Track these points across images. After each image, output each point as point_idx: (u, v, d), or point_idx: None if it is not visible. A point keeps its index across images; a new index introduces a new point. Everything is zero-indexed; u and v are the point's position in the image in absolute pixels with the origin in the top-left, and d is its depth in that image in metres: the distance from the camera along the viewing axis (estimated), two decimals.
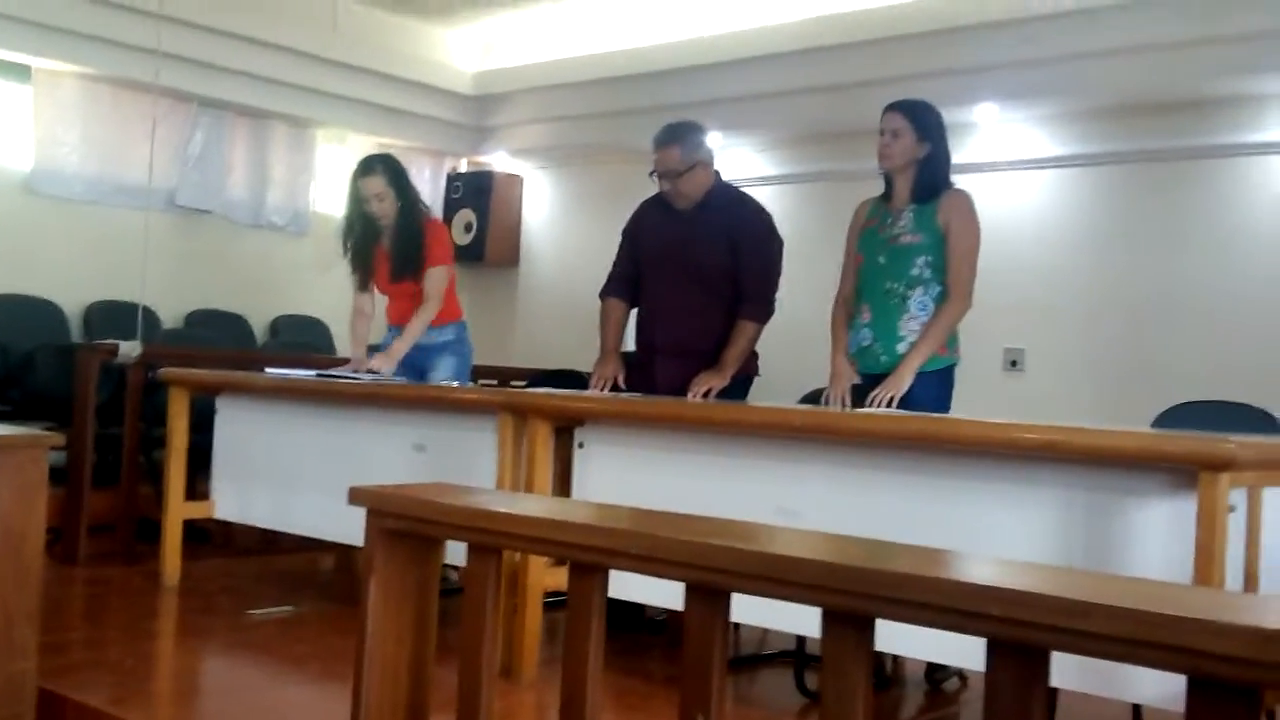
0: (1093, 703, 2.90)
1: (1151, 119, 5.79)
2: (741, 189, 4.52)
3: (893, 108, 3.89)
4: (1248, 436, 2.59)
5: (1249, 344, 5.45)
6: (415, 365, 4.83)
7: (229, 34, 6.81)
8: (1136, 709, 3.15)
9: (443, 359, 4.82)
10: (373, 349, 4.87)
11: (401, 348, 4.66)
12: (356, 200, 4.76)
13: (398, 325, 4.80)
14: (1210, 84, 5.48)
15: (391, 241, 4.75)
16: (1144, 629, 1.31)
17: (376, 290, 4.91)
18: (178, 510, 4.61)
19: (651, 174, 4.30)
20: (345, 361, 4.91)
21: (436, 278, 4.72)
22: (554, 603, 3.51)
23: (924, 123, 3.85)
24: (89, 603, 4.51)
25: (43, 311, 6.42)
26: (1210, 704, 1.32)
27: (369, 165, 4.78)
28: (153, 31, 5.73)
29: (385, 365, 4.58)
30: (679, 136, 4.27)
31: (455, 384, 4.51)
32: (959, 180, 3.95)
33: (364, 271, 4.86)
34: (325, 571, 5.36)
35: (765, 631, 4.12)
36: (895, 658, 3.75)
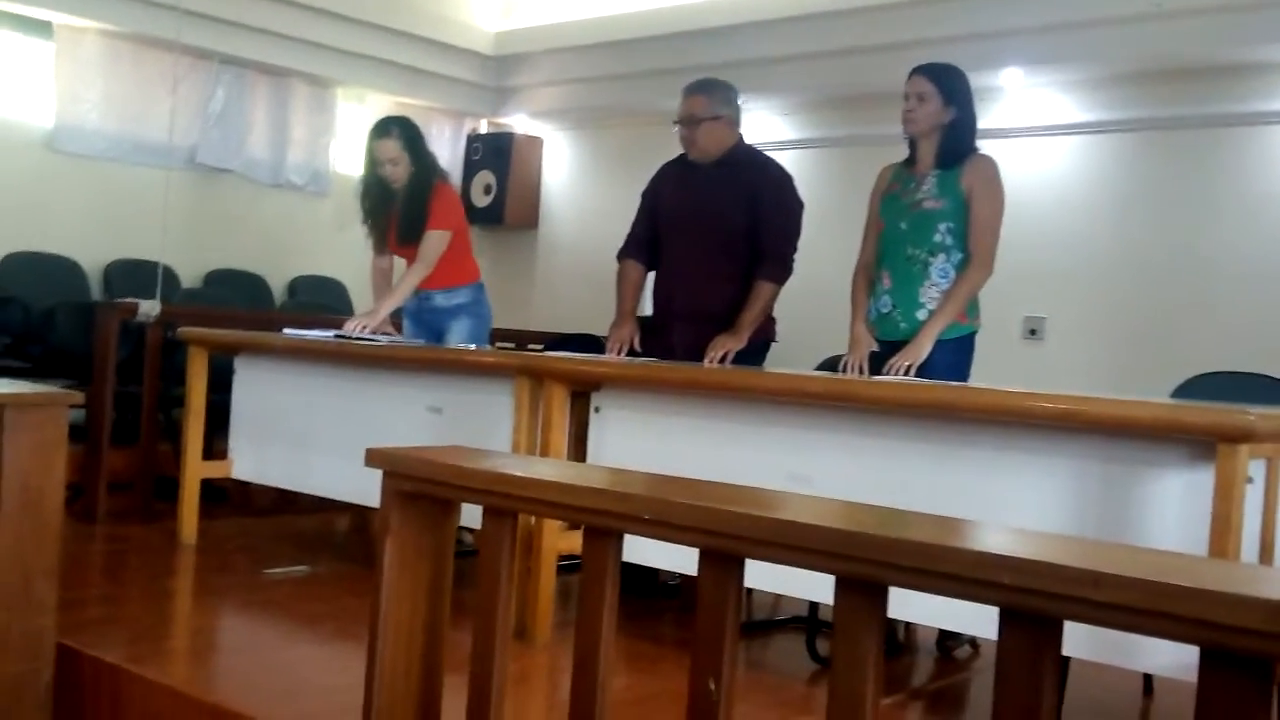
0: (1105, 672, 2.90)
1: (1177, 85, 5.72)
2: (764, 152, 4.49)
3: (919, 71, 3.85)
4: (1267, 408, 2.57)
5: (1271, 314, 5.41)
6: (431, 326, 4.84)
7: None
8: (1148, 678, 3.15)
9: (458, 321, 4.82)
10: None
11: (381, 309, 4.67)
12: (372, 162, 4.75)
13: (420, 288, 4.79)
14: (1236, 50, 5.41)
15: (401, 205, 4.75)
16: (1156, 599, 1.30)
17: (392, 253, 4.91)
18: (195, 469, 4.64)
19: (675, 122, 4.29)
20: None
21: (432, 241, 4.67)
22: (568, 566, 3.53)
23: (950, 87, 3.81)
24: (107, 560, 4.55)
25: (63, 269, 6.45)
26: (1222, 675, 1.31)
27: (384, 128, 4.76)
28: None
29: (368, 321, 4.60)
30: (707, 87, 4.28)
31: (471, 346, 4.51)
32: (983, 146, 3.91)
33: (379, 233, 4.86)
34: (341, 532, 5.40)
35: (778, 597, 4.14)
36: (907, 625, 3.76)
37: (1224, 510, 2.31)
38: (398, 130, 4.74)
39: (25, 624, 2.90)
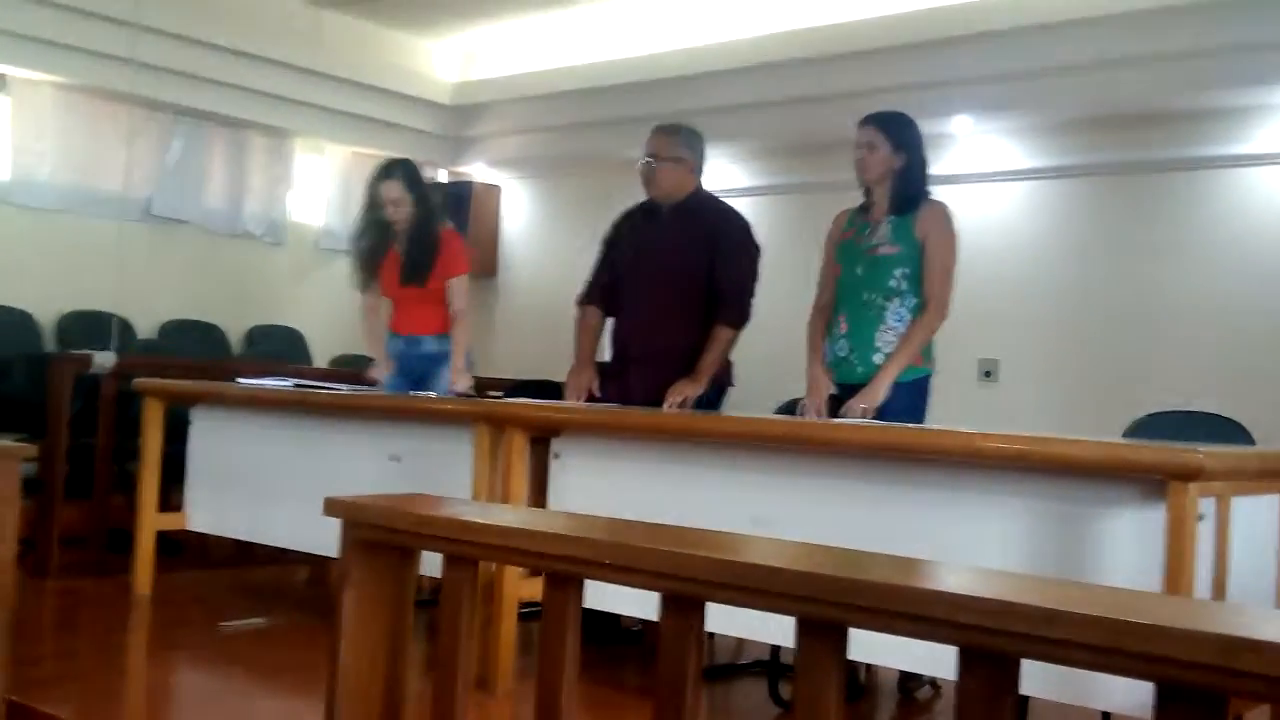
0: (1064, 711, 2.92)
1: (1124, 131, 5.85)
2: (722, 199, 4.54)
3: (867, 121, 3.91)
4: (1217, 446, 2.61)
5: (1220, 354, 5.51)
6: (413, 372, 4.84)
7: (206, 44, 6.81)
8: (1106, 716, 3.17)
9: (444, 369, 4.82)
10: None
11: (460, 364, 4.75)
12: (372, 204, 4.78)
13: (403, 333, 4.82)
14: (1181, 98, 5.55)
15: (405, 246, 4.78)
16: (1112, 636, 1.32)
17: (381, 294, 4.92)
18: (150, 521, 4.59)
19: (640, 160, 4.33)
20: (350, 374, 4.97)
21: (461, 288, 4.79)
22: (529, 613, 3.51)
23: (899, 135, 3.87)
24: (60, 615, 4.48)
25: (16, 321, 6.38)
26: (1178, 711, 1.33)
27: (389, 170, 4.80)
28: (129, 41, 5.72)
29: (463, 382, 4.69)
30: (674, 130, 4.35)
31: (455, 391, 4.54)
32: (936, 191, 3.97)
33: (368, 274, 4.90)
34: (299, 583, 5.34)
35: (740, 641, 4.13)
36: (869, 666, 3.76)
37: (1177, 547, 2.34)
38: (401, 172, 4.77)
39: None
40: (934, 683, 3.76)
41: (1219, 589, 2.46)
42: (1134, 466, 2.49)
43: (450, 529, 2.05)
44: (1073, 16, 5.56)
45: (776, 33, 6.59)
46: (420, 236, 4.74)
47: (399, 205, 4.72)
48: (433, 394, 4.45)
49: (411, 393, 4.55)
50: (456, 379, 4.71)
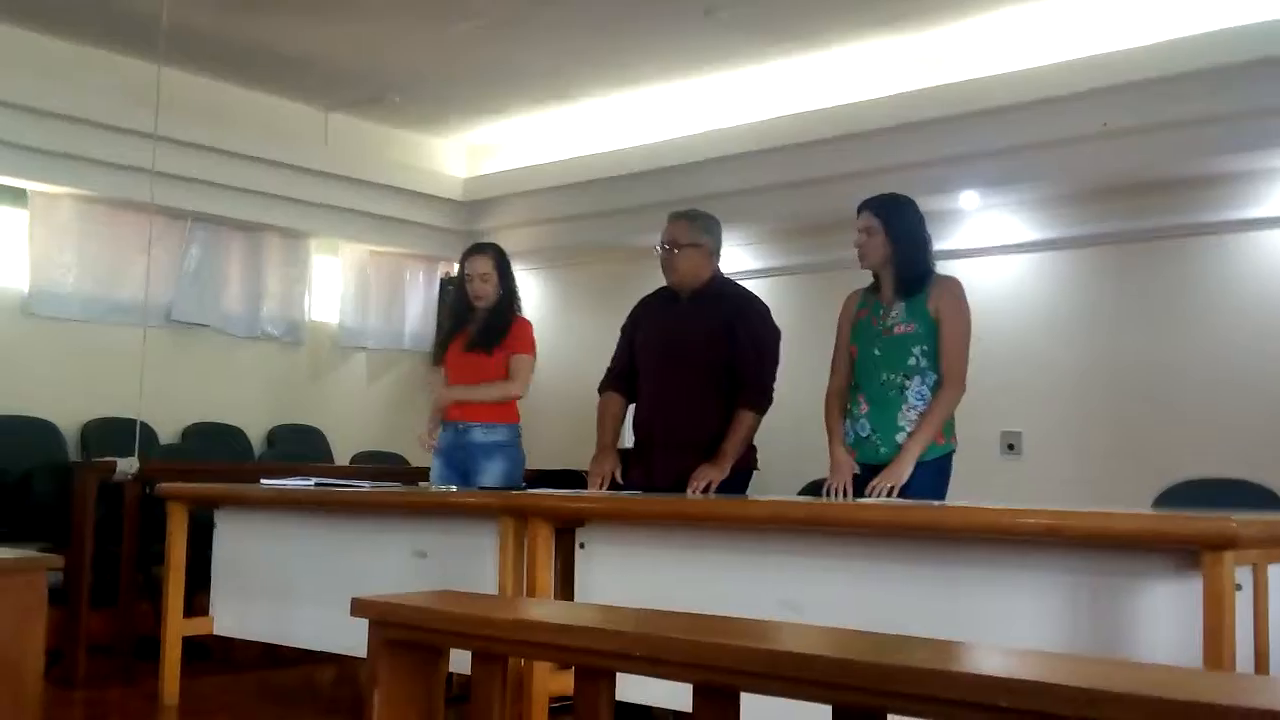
0: None
1: (1129, 200, 5.88)
2: (740, 283, 4.57)
3: (863, 206, 3.96)
4: (1249, 513, 2.58)
5: (1243, 419, 5.47)
6: (462, 465, 4.82)
7: (222, 151, 6.92)
8: None
9: (493, 462, 4.80)
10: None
11: (466, 395, 4.80)
12: (461, 279, 4.94)
13: (452, 419, 4.86)
14: (1186, 165, 5.58)
15: (483, 318, 4.87)
16: (1156, 716, 1.30)
17: (444, 368, 5.00)
18: (177, 627, 4.56)
19: (657, 247, 4.37)
20: (372, 471, 4.99)
21: (524, 364, 4.87)
22: (561, 708, 3.47)
23: (893, 217, 3.90)
24: None
25: (40, 431, 6.42)
26: None
27: (481, 246, 5.03)
28: (147, 152, 5.82)
29: (447, 396, 4.80)
30: (691, 215, 4.40)
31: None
32: (947, 266, 3.98)
33: (441, 349, 5.06)
34: (326, 684, 5.30)
35: None
36: None
37: (1214, 619, 2.31)
38: (493, 251, 4.96)
39: None
40: None
41: (1261, 661, 2.42)
42: (1167, 538, 2.47)
43: (479, 626, 2.03)
44: (1075, 90, 5.61)
45: (780, 116, 6.67)
46: (498, 310, 4.87)
47: (486, 281, 4.85)
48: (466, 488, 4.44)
49: (453, 487, 4.53)
50: (443, 391, 4.83)
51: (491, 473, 4.75)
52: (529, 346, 4.92)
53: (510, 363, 4.82)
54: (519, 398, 4.87)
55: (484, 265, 4.87)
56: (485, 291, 4.86)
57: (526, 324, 4.97)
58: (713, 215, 4.46)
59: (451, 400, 4.79)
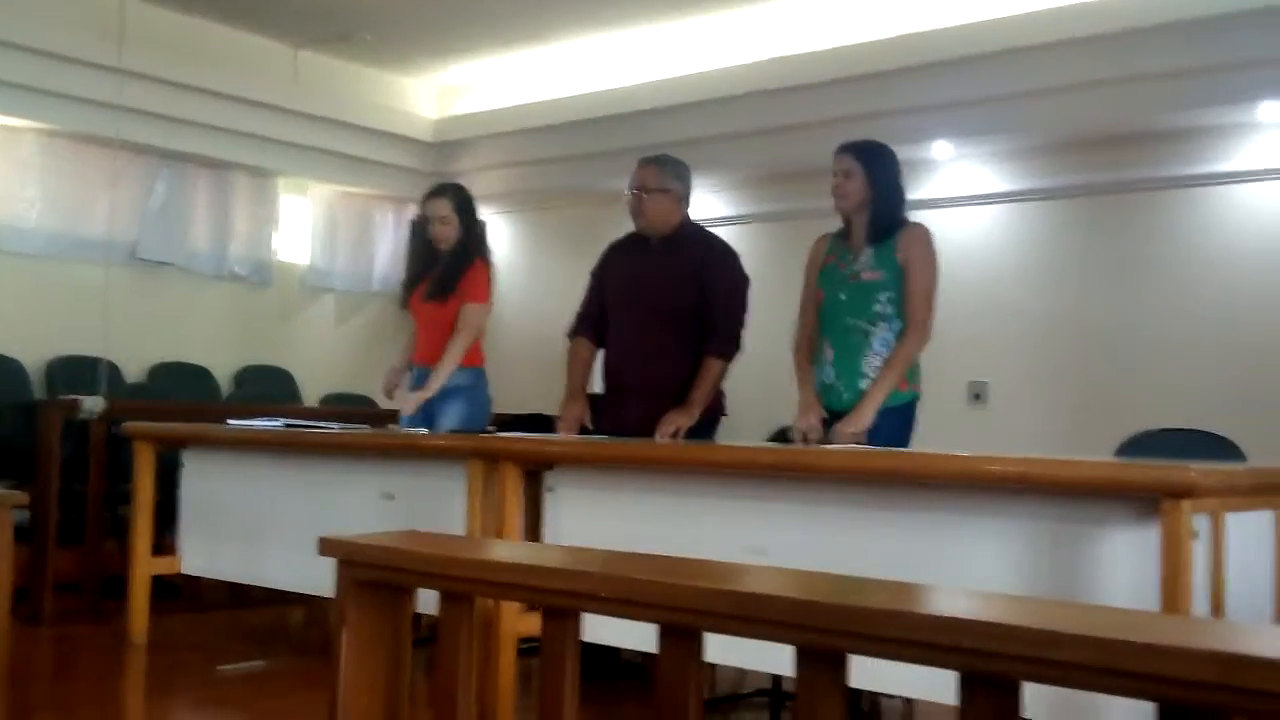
0: None
1: (1101, 153, 5.89)
2: (709, 229, 4.56)
3: (843, 150, 3.94)
4: (1209, 463, 2.62)
5: (1208, 371, 5.53)
6: (425, 409, 4.75)
7: (188, 86, 6.82)
8: None
9: (453, 405, 4.73)
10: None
11: (433, 386, 4.66)
12: (421, 222, 4.85)
13: (418, 363, 4.79)
14: (1158, 118, 5.59)
15: (442, 265, 4.79)
16: (1112, 657, 1.32)
17: (411, 311, 4.93)
18: (144, 566, 4.56)
19: (627, 191, 4.35)
20: (341, 412, 4.92)
21: (472, 314, 4.73)
22: (528, 649, 3.50)
23: (873, 162, 3.90)
24: (55, 663, 4.45)
25: (3, 368, 6.35)
26: None
27: (440, 188, 4.91)
28: (113, 86, 5.73)
29: (409, 407, 4.62)
30: (661, 160, 4.37)
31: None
32: (918, 216, 3.99)
33: (407, 292, 4.95)
34: (295, 625, 5.32)
35: (742, 671, 4.12)
36: (873, 695, 3.75)
37: (1172, 565, 2.35)
38: (451, 192, 4.86)
39: None
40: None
41: (1216, 607, 2.46)
42: (1127, 486, 2.50)
43: (446, 566, 2.04)
44: (1049, 39, 5.61)
45: (754, 62, 6.63)
46: (454, 257, 4.77)
47: (445, 223, 4.76)
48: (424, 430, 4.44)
49: (422, 430, 4.50)
50: (408, 400, 4.67)
51: (450, 415, 4.69)
52: (481, 293, 4.77)
53: (460, 313, 4.72)
54: (468, 346, 4.73)
55: (442, 208, 4.78)
56: (445, 234, 4.78)
57: (483, 269, 4.83)
58: (683, 161, 4.44)
59: (420, 401, 4.65)
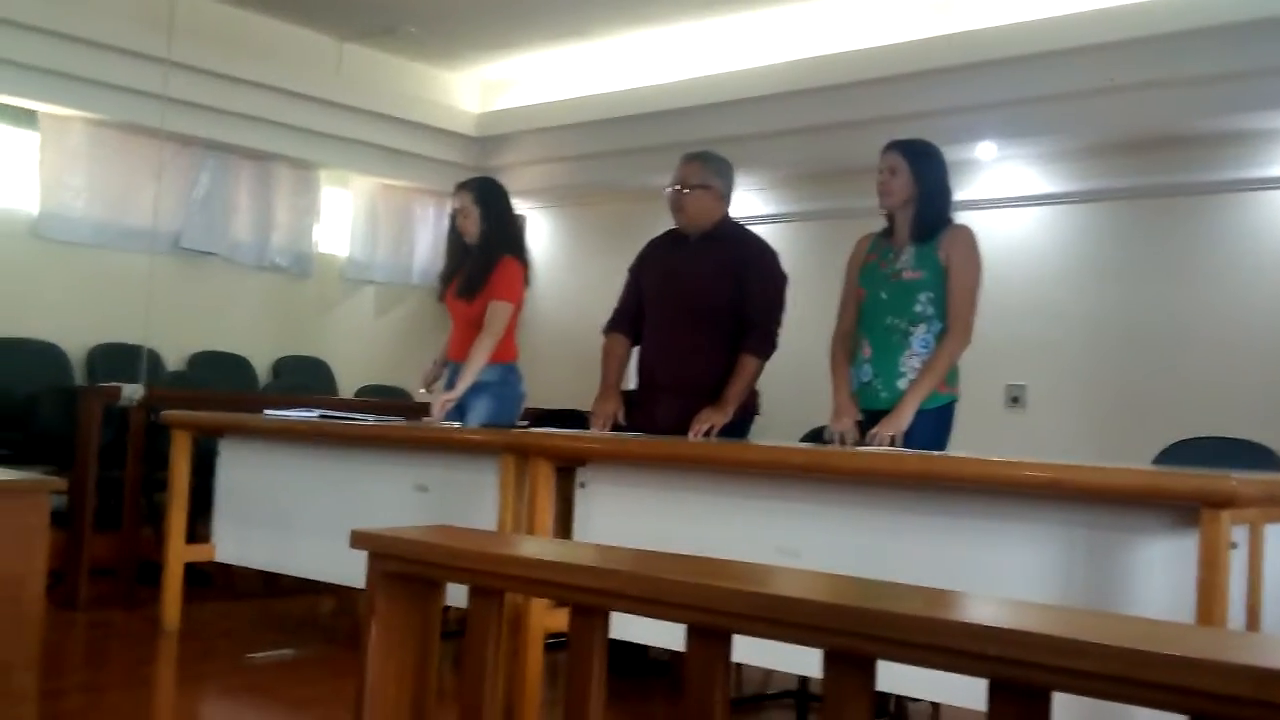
0: None
1: (1147, 155, 5.83)
2: (748, 227, 4.54)
3: (891, 147, 3.91)
4: (1249, 473, 2.58)
5: (1250, 379, 5.45)
6: (459, 403, 4.66)
7: (234, 78, 6.88)
8: None
9: (480, 400, 4.67)
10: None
11: (460, 388, 4.58)
12: (452, 216, 4.84)
13: (453, 359, 4.74)
14: (1204, 121, 5.52)
15: (470, 261, 4.76)
16: (1144, 669, 1.30)
17: (447, 310, 4.88)
18: (179, 553, 4.60)
19: (668, 187, 4.34)
20: (377, 405, 4.88)
21: (498, 312, 4.63)
22: (556, 645, 3.50)
23: (921, 161, 3.87)
24: (89, 648, 4.49)
25: (46, 354, 6.44)
26: None
27: (464, 183, 4.88)
28: (159, 77, 5.78)
29: (437, 410, 4.51)
30: (703, 156, 4.36)
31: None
32: (961, 217, 3.95)
33: (443, 285, 4.89)
34: (325, 614, 5.35)
35: (768, 672, 4.10)
36: (899, 697, 3.73)
37: (1209, 576, 2.31)
38: (473, 186, 4.83)
39: (4, 715, 2.85)
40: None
41: (1253, 619, 2.43)
42: (1166, 494, 2.47)
43: (476, 561, 2.04)
44: (1095, 41, 5.55)
45: (799, 59, 6.60)
46: (480, 253, 4.71)
47: (466, 216, 4.72)
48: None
49: (456, 424, 4.49)
50: (438, 403, 4.55)
51: (477, 411, 4.64)
52: (508, 291, 4.66)
53: (487, 310, 4.65)
54: (493, 347, 4.62)
55: (463, 201, 4.75)
56: (467, 229, 4.72)
57: (511, 264, 4.71)
58: (725, 158, 4.42)
59: (448, 404, 4.55)
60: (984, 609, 1.63)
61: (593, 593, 1.86)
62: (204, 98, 6.78)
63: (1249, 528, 2.43)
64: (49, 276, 6.60)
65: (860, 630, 1.53)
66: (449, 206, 8.12)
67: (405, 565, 2.15)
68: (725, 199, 4.35)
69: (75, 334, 6.60)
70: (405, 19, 7.12)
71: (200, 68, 6.63)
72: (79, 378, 6.52)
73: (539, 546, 2.44)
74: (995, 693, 1.46)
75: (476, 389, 4.65)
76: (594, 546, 2.39)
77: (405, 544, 2.15)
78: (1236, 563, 2.37)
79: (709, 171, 4.30)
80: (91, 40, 6.27)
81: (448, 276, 4.87)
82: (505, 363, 4.75)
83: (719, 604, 1.69)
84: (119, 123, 6.69)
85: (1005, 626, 1.43)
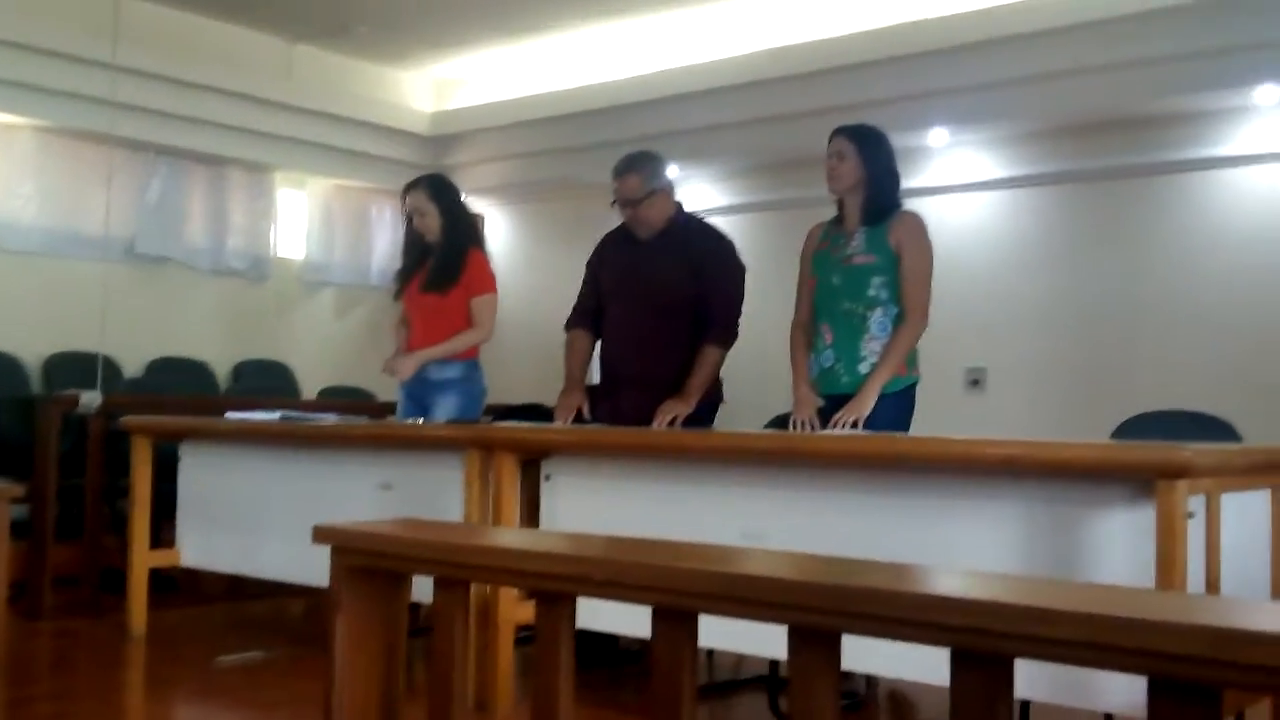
0: (1066, 715, 2.91)
1: (1097, 138, 5.89)
2: (704, 218, 4.55)
3: (838, 132, 3.95)
4: (1204, 444, 2.62)
5: (1203, 354, 5.53)
6: (420, 400, 4.74)
7: (184, 82, 6.83)
8: (1108, 718, 3.17)
9: (446, 397, 4.69)
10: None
11: (427, 355, 4.64)
12: (408, 217, 4.82)
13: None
14: (1151, 103, 5.59)
15: (436, 256, 4.74)
16: (1103, 632, 1.32)
17: (405, 305, 4.87)
18: (143, 559, 4.56)
19: (613, 203, 4.33)
20: (339, 405, 4.89)
21: (487, 305, 4.71)
22: (528, 638, 3.50)
23: (868, 146, 3.90)
24: (55, 655, 4.45)
25: (2, 365, 6.36)
26: (1171, 705, 1.33)
27: (414, 182, 4.85)
28: (107, 82, 5.72)
29: (405, 369, 4.62)
30: (637, 165, 4.31)
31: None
32: (916, 203, 3.99)
33: (400, 284, 4.87)
34: (294, 616, 5.32)
35: (740, 658, 4.12)
36: (869, 679, 3.76)
37: (1167, 545, 2.35)
38: (426, 183, 4.81)
39: None
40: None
41: (1212, 585, 2.47)
42: (1123, 466, 2.50)
43: (438, 551, 2.04)
44: (1043, 27, 5.60)
45: (751, 52, 6.62)
46: (448, 248, 4.71)
47: (424, 216, 4.71)
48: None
49: (419, 420, 4.50)
50: (401, 361, 4.66)
51: (444, 408, 4.65)
52: (489, 284, 4.74)
53: (473, 307, 4.68)
54: (486, 341, 4.75)
55: (418, 200, 4.73)
56: (427, 226, 4.72)
57: (482, 257, 4.77)
58: (651, 152, 4.41)
59: (418, 363, 4.63)
60: (946, 580, 1.64)
61: (558, 579, 1.86)
62: (153, 102, 6.71)
63: (1205, 497, 2.46)
64: (1, 286, 6.51)
65: (824, 606, 1.55)
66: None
67: (368, 559, 2.14)
68: (672, 193, 4.36)
69: (31, 343, 6.53)
70: (356, 19, 7.08)
71: (148, 72, 6.57)
72: (36, 387, 6.45)
73: (502, 535, 2.44)
74: (959, 662, 1.47)
75: (442, 386, 4.67)
76: (557, 534, 2.40)
77: (367, 537, 2.15)
78: (1194, 532, 2.41)
79: (648, 176, 4.28)
80: (35, 46, 6.20)
81: (407, 273, 4.85)
82: (470, 359, 4.77)
83: (683, 584, 1.69)
84: (67, 129, 6.62)
85: (968, 596, 1.45)
